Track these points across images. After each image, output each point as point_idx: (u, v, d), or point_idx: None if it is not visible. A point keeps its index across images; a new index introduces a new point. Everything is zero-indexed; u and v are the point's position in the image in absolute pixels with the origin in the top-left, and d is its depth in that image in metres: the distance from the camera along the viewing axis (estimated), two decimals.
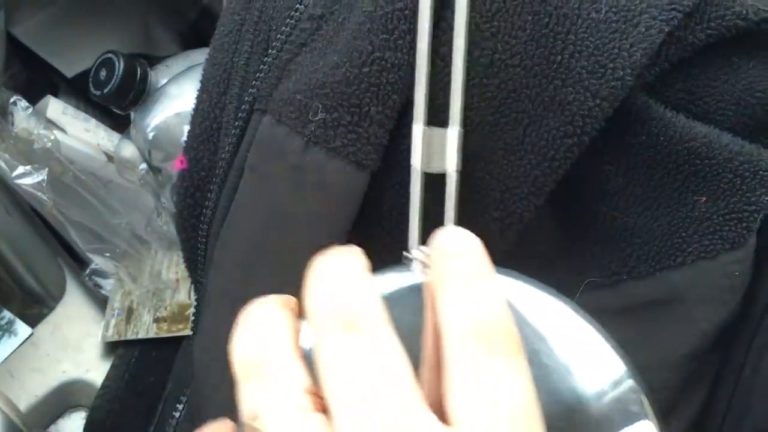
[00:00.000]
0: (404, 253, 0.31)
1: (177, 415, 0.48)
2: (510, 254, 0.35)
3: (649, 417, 0.27)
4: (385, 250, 0.35)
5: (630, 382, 0.28)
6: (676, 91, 0.36)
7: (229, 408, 0.34)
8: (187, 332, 0.54)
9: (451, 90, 0.32)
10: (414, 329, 0.26)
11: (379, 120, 0.33)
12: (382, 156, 0.34)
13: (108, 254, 0.58)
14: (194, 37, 0.78)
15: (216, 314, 0.37)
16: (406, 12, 0.32)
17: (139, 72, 0.56)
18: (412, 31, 0.32)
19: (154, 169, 0.55)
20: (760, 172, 0.35)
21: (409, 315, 0.27)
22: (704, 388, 0.37)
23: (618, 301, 0.36)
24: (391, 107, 0.33)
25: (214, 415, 0.35)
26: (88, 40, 0.71)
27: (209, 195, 0.38)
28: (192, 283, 0.41)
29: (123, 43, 0.72)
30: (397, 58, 0.32)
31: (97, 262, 0.59)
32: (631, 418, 0.27)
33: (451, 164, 0.32)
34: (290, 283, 0.34)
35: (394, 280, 0.29)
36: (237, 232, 0.36)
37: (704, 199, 0.35)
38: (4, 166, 0.55)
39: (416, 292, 0.28)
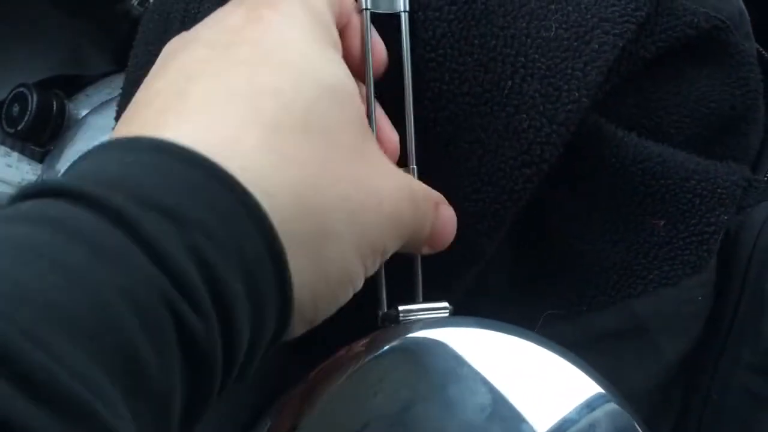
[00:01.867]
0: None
1: None
2: (469, 290, 0.33)
3: None
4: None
5: (609, 407, 0.27)
6: (628, 107, 0.34)
7: None
8: None
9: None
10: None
11: None
12: None
13: None
14: (127, 51, 0.75)
15: None
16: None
17: (54, 105, 0.52)
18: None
19: None
20: (718, 191, 0.34)
21: None
22: (672, 418, 0.36)
23: (578, 335, 0.34)
24: None
25: None
26: (14, 64, 0.67)
27: None
28: None
29: (53, 65, 0.68)
30: None
31: None
32: None
33: None
34: None
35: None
36: None
37: (663, 222, 0.33)
38: None
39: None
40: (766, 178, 0.38)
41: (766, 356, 0.34)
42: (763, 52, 0.39)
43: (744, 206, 0.36)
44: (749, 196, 0.36)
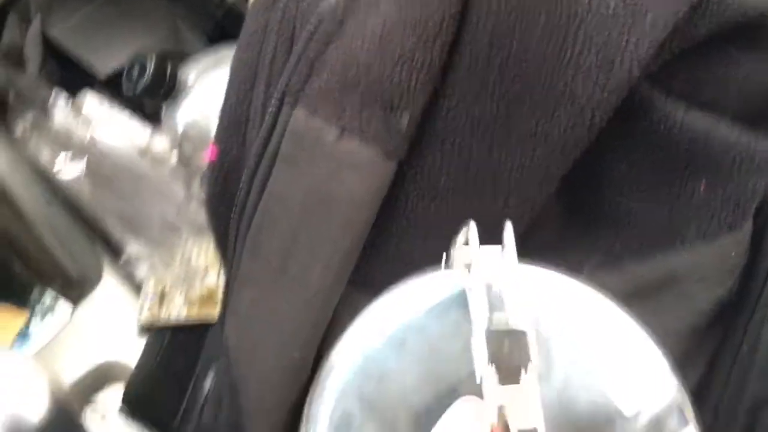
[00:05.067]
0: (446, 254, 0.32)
1: (205, 391, 0.51)
2: (519, 238, 0.38)
3: (691, 422, 0.28)
4: (409, 240, 0.38)
5: (678, 396, 0.29)
6: (679, 81, 0.37)
7: (266, 382, 0.37)
8: (213, 319, 0.57)
9: None
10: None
11: (409, 114, 0.35)
12: (409, 147, 0.36)
13: (141, 241, 0.61)
14: (220, 35, 0.81)
15: (252, 297, 0.39)
16: (435, 17, 0.34)
17: (169, 70, 0.59)
18: (440, 34, 0.34)
19: (184, 161, 0.58)
20: (756, 161, 0.37)
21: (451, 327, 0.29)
22: (702, 365, 0.39)
23: (621, 283, 0.38)
24: (421, 104, 0.35)
25: (252, 389, 0.37)
26: (119, 41, 0.73)
27: (239, 183, 0.40)
28: (221, 266, 0.43)
29: (152, 42, 0.74)
30: (425, 59, 0.34)
31: (131, 249, 0.62)
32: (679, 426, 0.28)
33: None
34: (327, 264, 0.36)
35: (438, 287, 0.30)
36: (273, 218, 0.37)
37: (703, 185, 0.37)
38: (45, 159, 0.58)
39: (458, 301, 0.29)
40: None
41: None
42: None
43: None
44: None
